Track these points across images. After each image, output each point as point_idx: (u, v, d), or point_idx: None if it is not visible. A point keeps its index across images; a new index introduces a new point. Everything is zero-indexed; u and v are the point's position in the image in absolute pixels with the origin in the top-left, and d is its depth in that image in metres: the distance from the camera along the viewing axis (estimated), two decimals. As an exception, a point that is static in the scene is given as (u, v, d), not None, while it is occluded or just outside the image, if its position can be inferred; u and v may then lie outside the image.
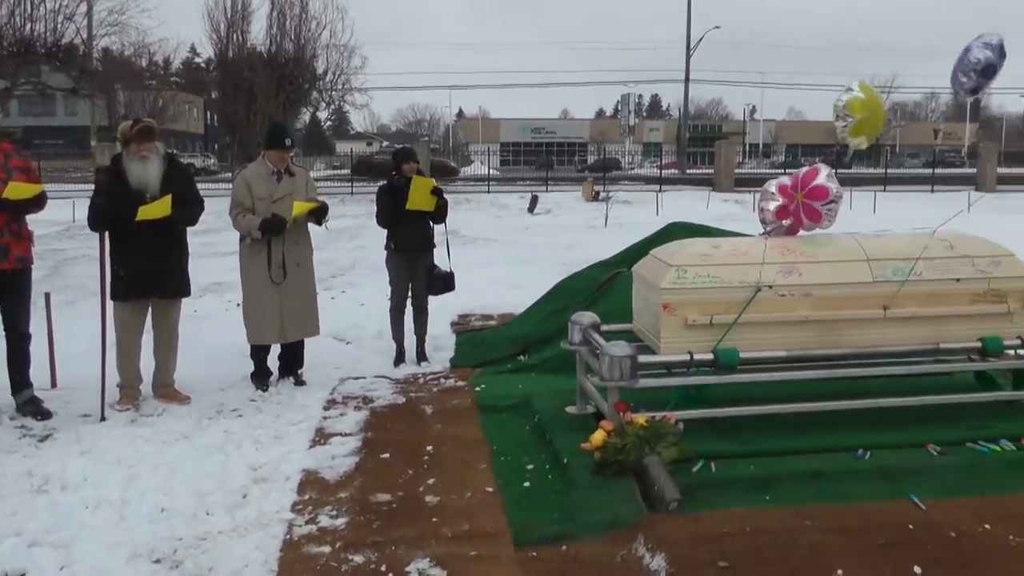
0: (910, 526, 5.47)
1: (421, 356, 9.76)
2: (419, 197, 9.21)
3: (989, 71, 6.95)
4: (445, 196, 9.52)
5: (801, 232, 7.35)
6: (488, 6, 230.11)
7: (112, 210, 7.75)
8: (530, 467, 6.56)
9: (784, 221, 7.30)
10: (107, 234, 7.94)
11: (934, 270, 6.99)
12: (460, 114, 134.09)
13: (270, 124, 9.57)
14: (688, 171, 67.24)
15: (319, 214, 8.65)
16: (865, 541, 5.28)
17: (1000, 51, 6.97)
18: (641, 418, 6.16)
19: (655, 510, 5.56)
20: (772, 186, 7.46)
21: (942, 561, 5.09)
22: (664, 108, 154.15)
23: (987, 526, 5.47)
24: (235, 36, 50.21)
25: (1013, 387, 7.48)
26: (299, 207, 8.38)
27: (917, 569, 4.99)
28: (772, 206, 7.35)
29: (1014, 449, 6.53)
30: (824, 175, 7.14)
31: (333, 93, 54.07)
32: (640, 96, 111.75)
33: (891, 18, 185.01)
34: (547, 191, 44.24)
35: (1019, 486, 6.05)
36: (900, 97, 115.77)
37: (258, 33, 52.66)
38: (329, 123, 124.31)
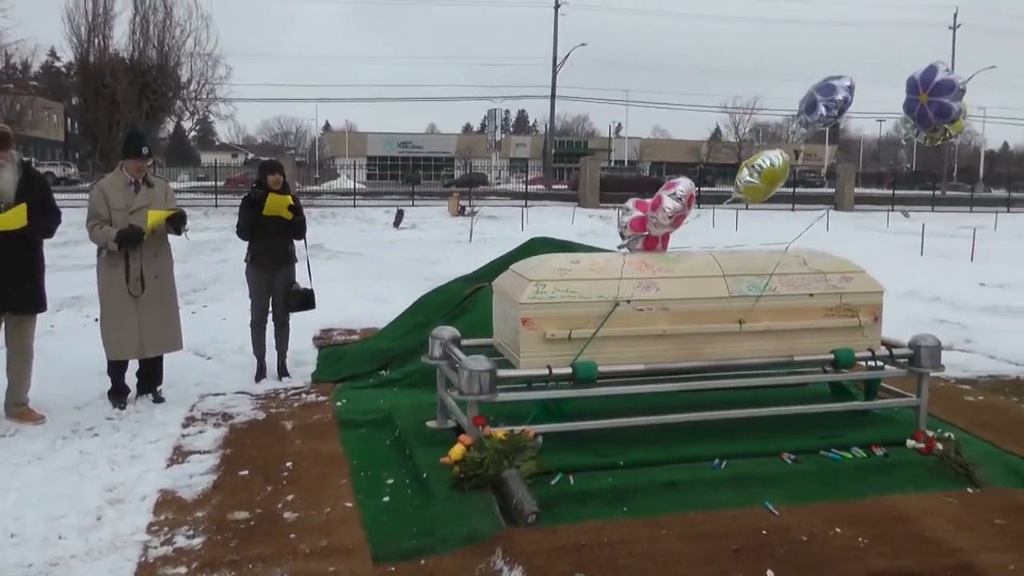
0: (763, 532, 5.62)
1: (282, 371, 9.66)
2: (276, 205, 9.13)
3: (845, 107, 7.18)
4: (303, 213, 9.44)
5: (658, 248, 7.46)
6: (355, 20, 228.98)
7: (-38, 221, 7.48)
8: (390, 482, 6.55)
9: (642, 232, 7.40)
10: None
11: (788, 285, 7.18)
12: (327, 127, 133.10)
13: (127, 133, 9.32)
14: (554, 187, 67.81)
15: (176, 222, 8.41)
16: (719, 548, 5.40)
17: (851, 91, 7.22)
18: (500, 432, 6.19)
19: (513, 523, 5.59)
20: (631, 202, 7.58)
21: (793, 564, 5.25)
22: (531, 124, 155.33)
23: (838, 529, 5.67)
24: (97, 40, 48.55)
25: (865, 397, 7.74)
26: (154, 216, 8.16)
27: (770, 573, 5.14)
28: (627, 219, 7.46)
29: (865, 456, 6.77)
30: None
31: (197, 103, 52.95)
32: (507, 112, 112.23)
33: (753, 43, 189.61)
34: (413, 206, 44.23)
35: (868, 491, 6.31)
36: (762, 118, 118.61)
37: (120, 38, 50.81)
38: (194, 133, 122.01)
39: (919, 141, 7.54)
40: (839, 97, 7.06)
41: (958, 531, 5.71)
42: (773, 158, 7.17)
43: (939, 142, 7.44)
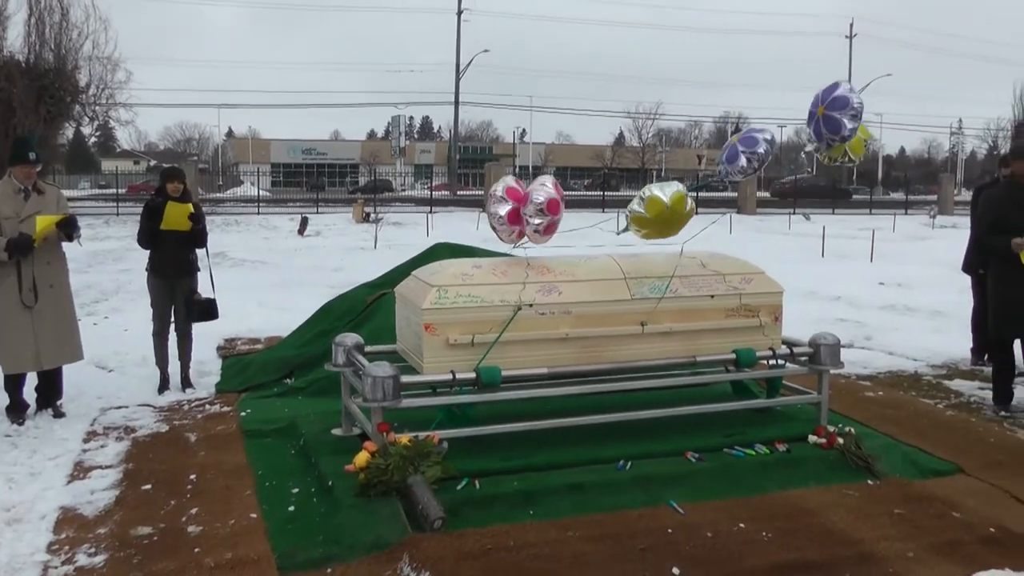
0: (669, 530, 5.68)
1: (186, 382, 9.51)
2: (175, 215, 8.99)
3: (766, 159, 7.24)
4: (204, 223, 9.33)
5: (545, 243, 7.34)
6: (257, 25, 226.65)
7: None
8: (295, 491, 6.47)
9: (516, 227, 7.23)
10: None
11: (689, 287, 7.25)
12: (230, 133, 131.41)
13: (13, 139, 9.12)
14: (459, 192, 67.96)
15: (67, 227, 8.15)
16: (625, 547, 5.44)
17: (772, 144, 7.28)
18: (404, 438, 6.16)
19: (420, 529, 5.56)
20: (501, 189, 7.27)
21: (699, 560, 5.32)
22: (435, 130, 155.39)
23: (742, 525, 5.77)
24: (-10, 42, 47.34)
25: (767, 395, 7.84)
26: (43, 221, 7.95)
27: (675, 570, 5.19)
28: (502, 212, 7.25)
29: (767, 452, 6.87)
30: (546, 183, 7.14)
31: (97, 108, 51.68)
32: (411, 118, 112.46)
33: (655, 51, 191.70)
34: (318, 213, 43.96)
35: (770, 486, 6.42)
36: (665, 124, 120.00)
37: (15, 40, 49.34)
38: (94, 140, 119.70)
39: (819, 158, 7.64)
40: (760, 150, 7.11)
41: (858, 522, 5.85)
42: (664, 189, 6.98)
43: (837, 162, 7.55)
